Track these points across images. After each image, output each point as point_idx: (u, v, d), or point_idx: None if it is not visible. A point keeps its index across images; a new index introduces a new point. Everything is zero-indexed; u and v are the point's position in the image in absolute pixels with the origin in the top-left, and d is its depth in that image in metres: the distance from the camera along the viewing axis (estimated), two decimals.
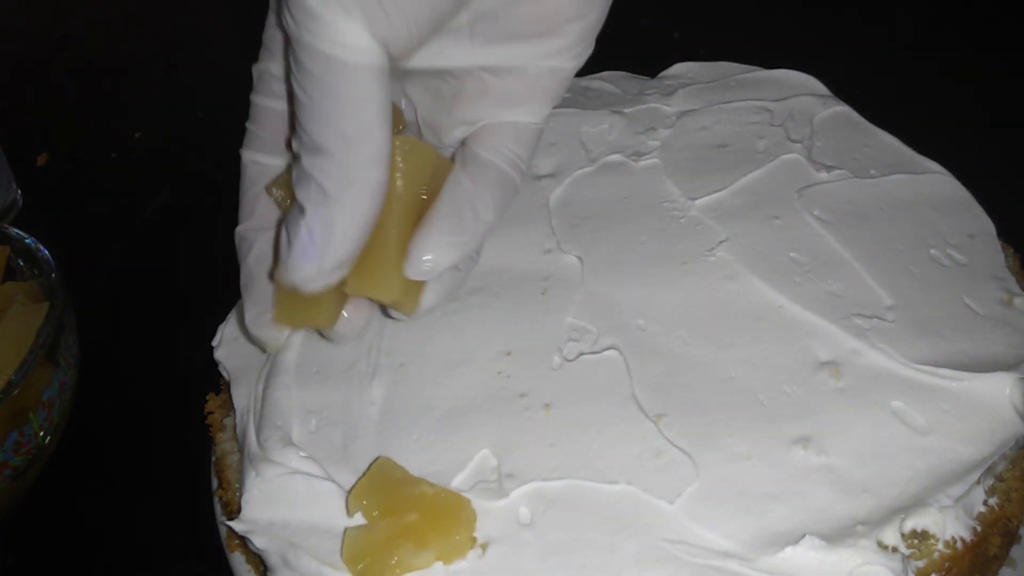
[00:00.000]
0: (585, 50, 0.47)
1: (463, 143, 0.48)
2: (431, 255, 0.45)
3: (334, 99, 0.39)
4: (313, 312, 0.46)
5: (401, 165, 0.44)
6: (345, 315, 0.48)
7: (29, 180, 0.90)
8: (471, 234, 0.46)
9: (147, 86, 1.05)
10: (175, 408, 0.65)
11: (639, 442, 0.50)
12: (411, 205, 0.45)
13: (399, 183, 0.44)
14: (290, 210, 0.44)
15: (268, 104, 0.48)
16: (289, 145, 0.47)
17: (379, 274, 0.45)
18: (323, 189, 0.41)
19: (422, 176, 0.45)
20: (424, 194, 0.46)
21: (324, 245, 0.41)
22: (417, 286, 0.46)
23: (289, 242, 0.42)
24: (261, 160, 0.50)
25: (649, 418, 0.51)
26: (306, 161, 0.41)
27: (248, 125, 0.49)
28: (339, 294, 0.46)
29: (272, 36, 0.48)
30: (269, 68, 0.48)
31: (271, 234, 0.49)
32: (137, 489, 0.66)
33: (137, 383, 0.72)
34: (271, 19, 0.48)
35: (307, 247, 0.41)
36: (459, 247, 0.45)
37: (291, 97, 0.43)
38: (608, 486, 0.48)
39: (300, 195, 0.42)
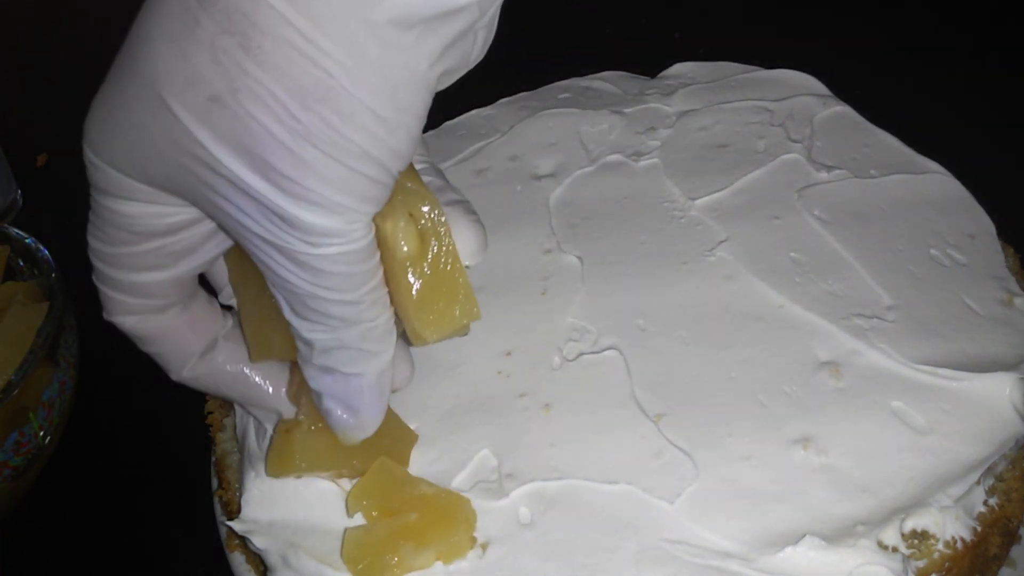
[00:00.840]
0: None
1: None
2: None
3: (348, 283, 0.39)
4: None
5: (430, 223, 0.43)
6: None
7: (29, 180, 0.90)
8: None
9: None
10: (175, 408, 0.65)
11: (639, 442, 0.50)
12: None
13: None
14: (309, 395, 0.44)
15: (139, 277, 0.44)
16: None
17: (456, 294, 0.44)
18: (366, 351, 0.41)
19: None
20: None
21: (386, 386, 0.44)
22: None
23: (358, 411, 0.43)
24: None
25: (649, 418, 0.51)
26: (340, 334, 0.41)
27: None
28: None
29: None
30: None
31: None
32: (137, 489, 0.65)
33: (137, 383, 0.72)
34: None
35: (376, 400, 0.43)
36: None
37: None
38: (608, 486, 0.48)
39: (345, 366, 0.42)
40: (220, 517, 0.57)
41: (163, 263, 0.43)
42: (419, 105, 0.36)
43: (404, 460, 0.50)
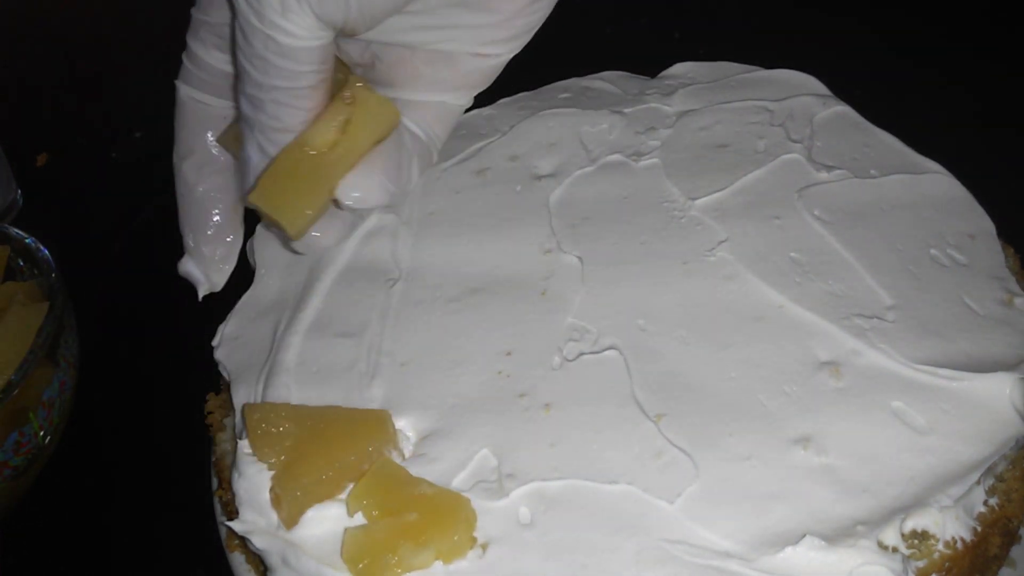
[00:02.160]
0: (519, 45, 0.50)
1: None
2: (361, 191, 0.48)
3: (274, 74, 0.44)
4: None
5: (367, 130, 0.47)
6: (315, 234, 0.50)
7: (29, 180, 0.90)
8: (399, 188, 0.49)
9: (147, 86, 1.04)
10: (175, 408, 0.65)
11: (639, 442, 0.50)
12: (351, 151, 0.48)
13: (362, 142, 0.47)
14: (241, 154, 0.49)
15: (203, 53, 0.52)
16: (233, 93, 0.52)
17: (298, 202, 0.47)
18: (260, 145, 0.47)
19: (378, 136, 0.48)
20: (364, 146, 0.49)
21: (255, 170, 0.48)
22: (312, 219, 0.48)
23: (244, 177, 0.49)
24: (199, 98, 0.54)
25: (649, 418, 0.51)
26: (250, 116, 0.46)
27: (185, 62, 0.54)
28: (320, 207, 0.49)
29: None
30: (207, 19, 0.51)
31: (217, 171, 0.54)
32: (137, 489, 0.65)
33: (137, 383, 0.72)
34: None
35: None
36: (387, 195, 0.49)
37: (234, 55, 0.47)
38: (608, 486, 0.48)
39: (246, 142, 0.48)
40: (220, 517, 0.57)
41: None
42: None
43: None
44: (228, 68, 0.51)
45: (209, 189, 0.55)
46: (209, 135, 0.54)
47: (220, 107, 0.53)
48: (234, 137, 0.52)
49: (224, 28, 0.50)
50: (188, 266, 0.57)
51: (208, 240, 0.56)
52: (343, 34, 0.45)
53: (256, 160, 0.47)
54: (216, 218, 0.55)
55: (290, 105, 0.45)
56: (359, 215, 0.56)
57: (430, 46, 0.49)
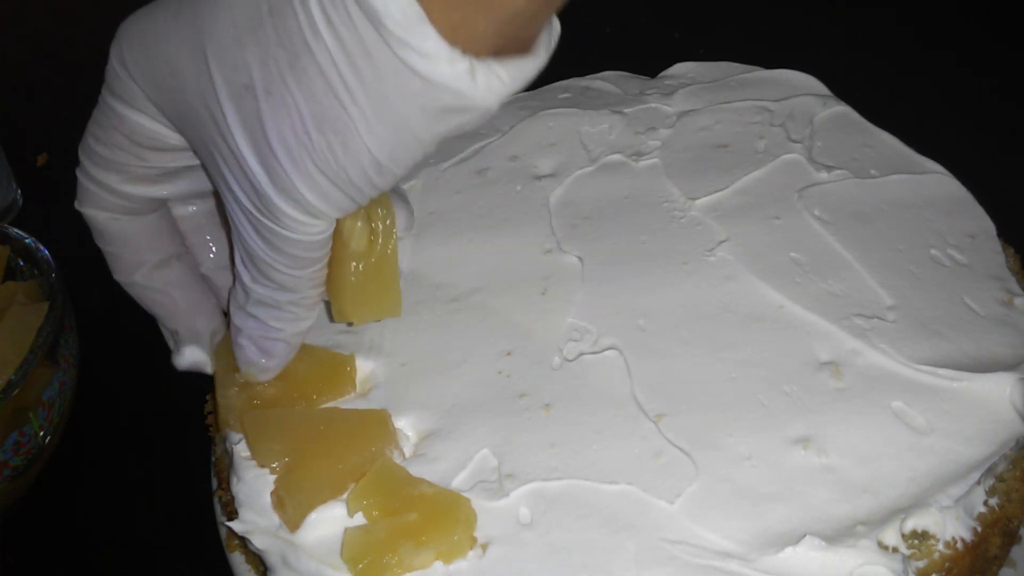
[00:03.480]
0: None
1: None
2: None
3: (300, 263, 0.45)
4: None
5: (390, 222, 0.49)
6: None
7: (29, 180, 0.90)
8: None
9: None
10: (175, 408, 0.65)
11: (639, 442, 0.50)
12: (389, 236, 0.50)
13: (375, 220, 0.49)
14: (245, 328, 0.49)
15: (117, 183, 0.50)
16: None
17: (387, 296, 0.51)
18: (293, 313, 0.48)
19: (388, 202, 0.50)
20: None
21: (296, 347, 0.51)
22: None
23: (268, 351, 0.50)
24: (119, 218, 0.52)
25: (649, 418, 0.51)
26: (272, 297, 0.47)
27: (90, 188, 0.52)
28: None
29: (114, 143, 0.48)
30: (110, 185, 0.49)
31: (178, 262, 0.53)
32: (137, 489, 0.65)
33: (137, 383, 0.72)
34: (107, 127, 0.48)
35: (285, 352, 0.50)
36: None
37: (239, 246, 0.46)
38: (608, 486, 0.48)
39: (271, 319, 0.48)
40: (220, 517, 0.57)
41: (150, 176, 0.48)
42: (410, 162, 0.42)
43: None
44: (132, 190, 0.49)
45: (182, 282, 0.54)
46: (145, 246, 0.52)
47: (144, 221, 0.51)
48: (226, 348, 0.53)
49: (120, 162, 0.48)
50: (193, 355, 0.55)
51: (206, 320, 0.55)
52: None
53: (288, 326, 0.49)
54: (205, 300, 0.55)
55: (317, 282, 0.47)
56: None
57: None
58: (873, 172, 0.64)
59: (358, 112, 0.39)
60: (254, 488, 0.49)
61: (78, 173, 0.50)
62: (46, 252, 0.66)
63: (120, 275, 0.52)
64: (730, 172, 0.64)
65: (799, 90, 0.71)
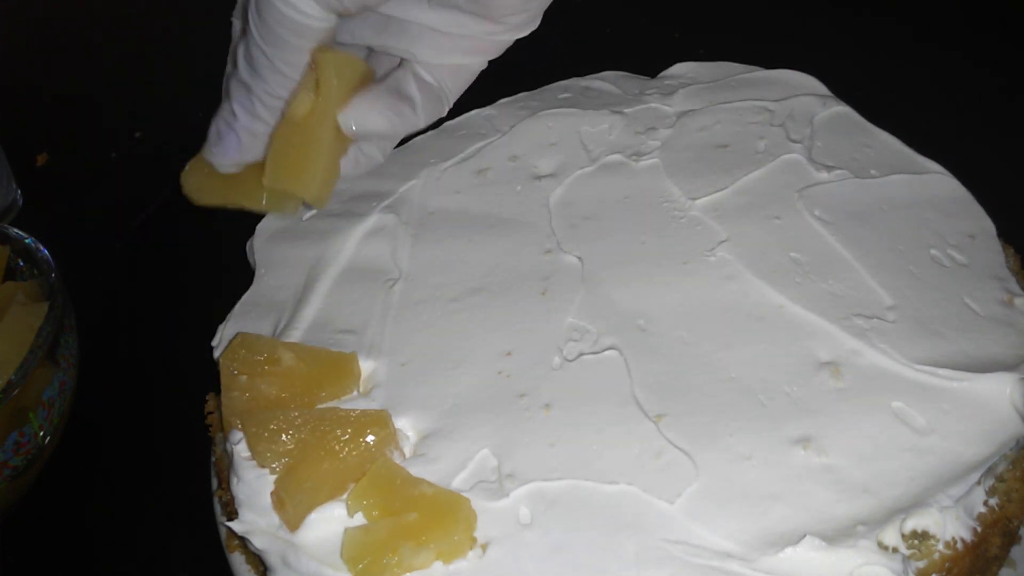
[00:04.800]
0: (531, 26, 0.54)
1: (402, 61, 0.56)
2: (357, 117, 0.54)
3: (279, 46, 0.50)
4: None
5: (335, 82, 0.52)
6: (351, 160, 0.56)
7: (29, 180, 0.90)
8: (400, 119, 0.54)
9: (147, 86, 1.05)
10: (175, 408, 0.65)
11: (639, 442, 0.50)
12: (327, 107, 0.53)
13: (334, 95, 0.52)
14: (220, 109, 0.55)
15: None
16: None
17: (303, 170, 0.54)
18: (251, 105, 0.53)
19: (352, 87, 0.53)
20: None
21: (250, 148, 0.54)
22: (328, 186, 0.56)
23: (220, 137, 0.54)
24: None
25: (649, 418, 0.51)
26: (245, 77, 0.52)
27: None
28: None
29: None
30: None
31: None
32: (137, 489, 0.65)
33: (137, 383, 0.72)
34: None
35: (234, 145, 0.54)
36: (387, 121, 0.54)
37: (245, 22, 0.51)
38: (608, 486, 0.48)
39: (235, 97, 0.53)
40: (220, 517, 0.57)
41: None
42: None
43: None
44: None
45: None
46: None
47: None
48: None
49: None
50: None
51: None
52: (343, 15, 0.50)
53: (242, 117, 0.53)
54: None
55: (284, 75, 0.51)
56: (366, 154, 0.57)
57: (446, 29, 0.53)
58: (873, 172, 0.64)
59: None
60: (254, 488, 0.49)
61: None
62: (46, 252, 0.66)
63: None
64: (730, 172, 0.64)
65: (799, 90, 0.71)
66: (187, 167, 0.58)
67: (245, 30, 0.51)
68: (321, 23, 0.49)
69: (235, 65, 0.53)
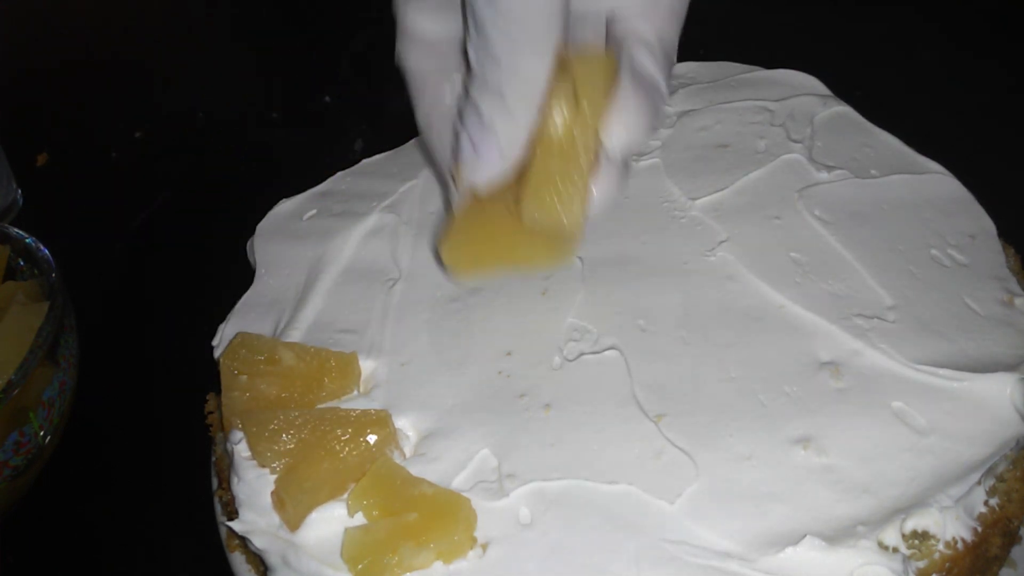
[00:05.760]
0: None
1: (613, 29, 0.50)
2: (622, 137, 0.47)
3: (517, 26, 0.44)
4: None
5: (597, 94, 0.46)
6: (595, 192, 0.50)
7: (29, 180, 0.90)
8: (658, 115, 0.49)
9: (147, 86, 1.05)
10: (175, 408, 0.65)
11: (639, 442, 0.50)
12: (589, 130, 0.47)
13: (597, 109, 0.46)
14: (466, 121, 0.47)
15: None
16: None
17: (573, 199, 0.48)
18: (506, 105, 0.46)
19: (608, 90, 0.47)
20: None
21: (511, 156, 0.47)
22: (582, 216, 0.49)
23: (478, 150, 0.47)
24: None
25: (649, 418, 0.51)
26: (492, 80, 0.45)
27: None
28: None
29: None
30: None
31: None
32: (137, 489, 0.66)
33: (137, 383, 0.72)
34: None
35: (496, 156, 0.47)
36: (649, 126, 0.48)
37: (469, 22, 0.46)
38: (608, 486, 0.48)
39: (483, 104, 0.46)
40: (220, 517, 0.57)
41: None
42: None
43: None
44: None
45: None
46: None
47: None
48: None
49: None
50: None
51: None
52: None
53: (501, 123, 0.46)
54: None
55: (539, 63, 0.45)
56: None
57: None
58: (873, 172, 0.64)
59: None
60: (254, 488, 0.49)
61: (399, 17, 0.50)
62: (46, 252, 0.66)
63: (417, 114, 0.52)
64: (730, 172, 0.64)
65: (799, 90, 0.71)
66: (446, 240, 0.51)
67: (469, 29, 0.45)
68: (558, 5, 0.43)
69: (470, 69, 0.46)
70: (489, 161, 0.47)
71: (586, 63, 0.46)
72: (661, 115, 0.49)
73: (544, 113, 0.46)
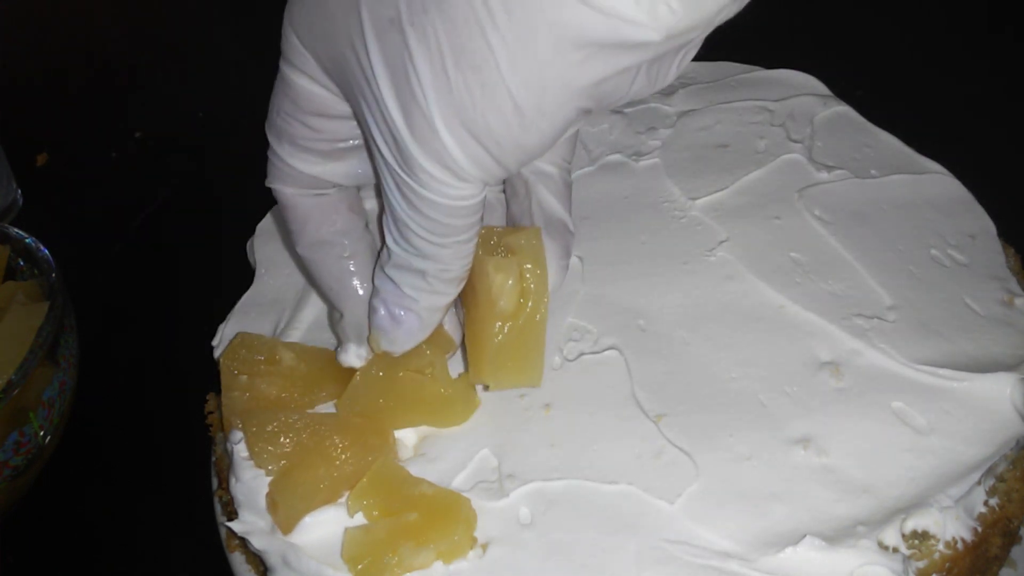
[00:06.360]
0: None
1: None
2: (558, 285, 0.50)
3: (441, 229, 0.43)
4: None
5: (545, 285, 0.48)
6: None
7: (29, 180, 0.90)
8: (568, 250, 0.51)
9: (147, 86, 1.05)
10: (175, 408, 0.65)
11: (639, 442, 0.50)
12: (540, 298, 0.48)
13: (527, 283, 0.48)
14: (382, 294, 0.47)
15: (304, 165, 0.48)
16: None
17: (535, 365, 0.50)
18: (429, 284, 0.46)
19: (544, 266, 0.48)
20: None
21: (429, 325, 0.48)
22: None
23: (398, 321, 0.47)
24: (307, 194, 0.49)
25: (649, 418, 0.51)
26: (414, 262, 0.45)
27: (279, 166, 0.48)
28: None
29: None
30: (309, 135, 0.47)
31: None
32: (137, 489, 0.65)
33: (137, 383, 0.72)
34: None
35: (416, 326, 0.48)
36: (565, 265, 0.50)
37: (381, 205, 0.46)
38: (608, 486, 0.48)
39: (403, 282, 0.46)
40: (220, 517, 0.57)
41: (322, 152, 0.47)
42: (559, 116, 0.38)
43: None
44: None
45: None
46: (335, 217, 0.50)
47: (326, 198, 0.50)
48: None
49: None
50: (357, 357, 0.51)
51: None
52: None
53: (423, 297, 0.46)
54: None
55: (460, 256, 0.45)
56: None
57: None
58: (873, 172, 0.64)
59: (499, 41, 0.36)
60: (252, 488, 0.49)
61: (269, 153, 0.48)
62: (46, 252, 0.66)
63: (298, 247, 0.50)
64: (730, 172, 0.64)
65: (799, 90, 0.71)
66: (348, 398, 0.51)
67: (387, 214, 0.45)
68: (479, 198, 0.43)
69: (388, 244, 0.46)
70: (409, 331, 0.47)
71: (517, 232, 0.48)
72: (570, 252, 0.51)
73: (479, 283, 0.47)
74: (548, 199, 0.50)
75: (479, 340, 0.48)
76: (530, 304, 0.47)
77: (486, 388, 0.52)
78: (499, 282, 0.46)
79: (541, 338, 0.49)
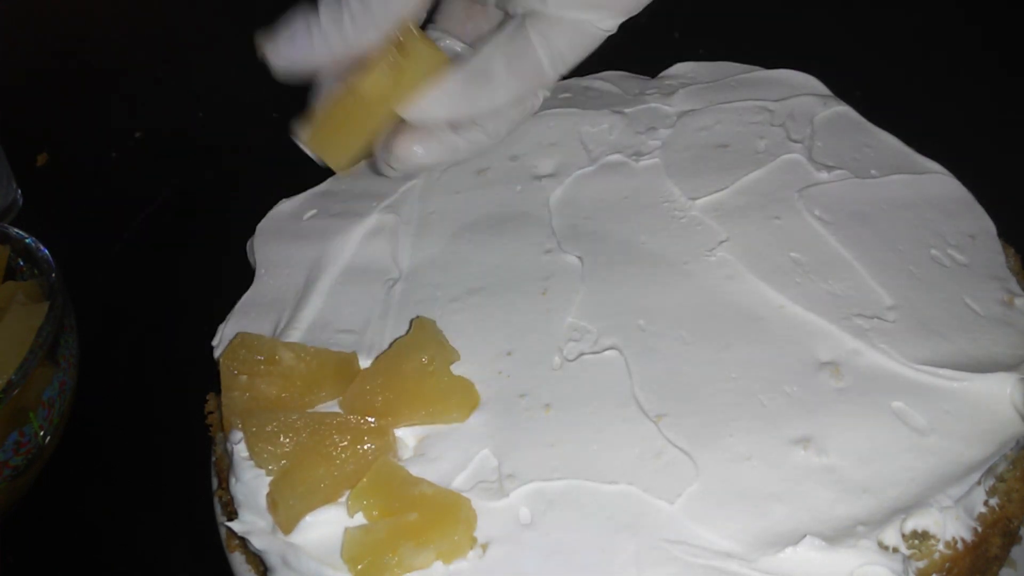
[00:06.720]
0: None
1: (507, 15, 0.51)
2: (420, 106, 0.50)
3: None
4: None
5: (419, 78, 0.50)
6: (416, 149, 0.52)
7: (29, 180, 0.90)
8: (472, 100, 0.50)
9: (147, 86, 1.05)
10: (175, 408, 0.65)
11: (639, 442, 0.50)
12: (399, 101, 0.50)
13: (402, 82, 0.50)
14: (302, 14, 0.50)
15: None
16: None
17: (348, 147, 0.52)
18: (344, 27, 0.48)
19: (419, 79, 0.50)
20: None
21: (311, 59, 0.50)
22: (354, 158, 0.54)
23: (293, 36, 0.50)
24: None
25: (649, 418, 0.51)
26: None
27: None
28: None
29: None
30: None
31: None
32: (137, 489, 0.66)
33: (137, 383, 0.72)
34: None
35: (303, 48, 0.50)
36: (452, 106, 0.50)
37: None
38: (608, 486, 0.48)
39: (325, 12, 0.49)
40: (220, 517, 0.57)
41: None
42: None
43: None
44: None
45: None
46: None
47: None
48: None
49: None
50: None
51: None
52: None
53: (329, 31, 0.48)
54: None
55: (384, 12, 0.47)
56: (463, 139, 0.53)
57: None
58: (873, 172, 0.64)
59: None
60: (252, 488, 0.49)
61: None
62: (46, 252, 0.66)
63: None
64: (730, 172, 0.64)
65: (799, 90, 0.71)
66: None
67: None
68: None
69: None
70: (296, 48, 0.49)
71: (423, 52, 0.50)
72: (487, 101, 0.50)
73: (368, 68, 0.50)
74: (504, 43, 0.50)
75: (327, 104, 0.51)
76: (391, 102, 0.49)
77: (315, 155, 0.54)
78: (376, 71, 0.48)
79: (363, 126, 0.50)
